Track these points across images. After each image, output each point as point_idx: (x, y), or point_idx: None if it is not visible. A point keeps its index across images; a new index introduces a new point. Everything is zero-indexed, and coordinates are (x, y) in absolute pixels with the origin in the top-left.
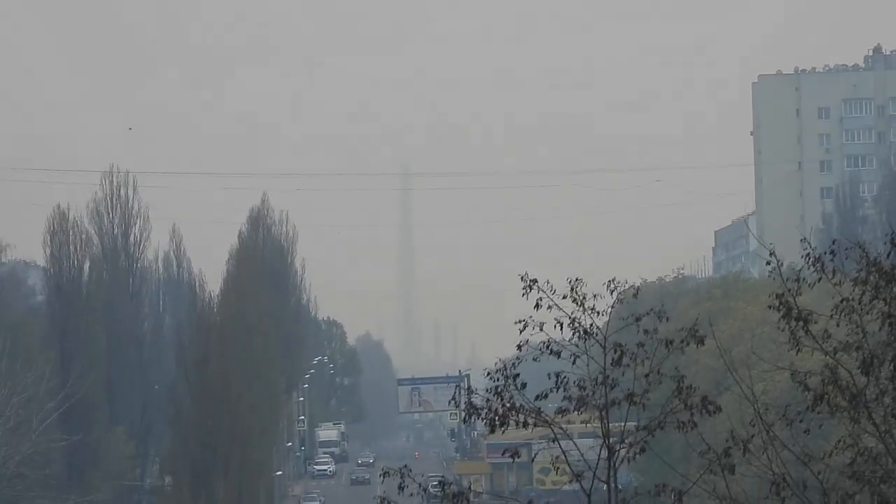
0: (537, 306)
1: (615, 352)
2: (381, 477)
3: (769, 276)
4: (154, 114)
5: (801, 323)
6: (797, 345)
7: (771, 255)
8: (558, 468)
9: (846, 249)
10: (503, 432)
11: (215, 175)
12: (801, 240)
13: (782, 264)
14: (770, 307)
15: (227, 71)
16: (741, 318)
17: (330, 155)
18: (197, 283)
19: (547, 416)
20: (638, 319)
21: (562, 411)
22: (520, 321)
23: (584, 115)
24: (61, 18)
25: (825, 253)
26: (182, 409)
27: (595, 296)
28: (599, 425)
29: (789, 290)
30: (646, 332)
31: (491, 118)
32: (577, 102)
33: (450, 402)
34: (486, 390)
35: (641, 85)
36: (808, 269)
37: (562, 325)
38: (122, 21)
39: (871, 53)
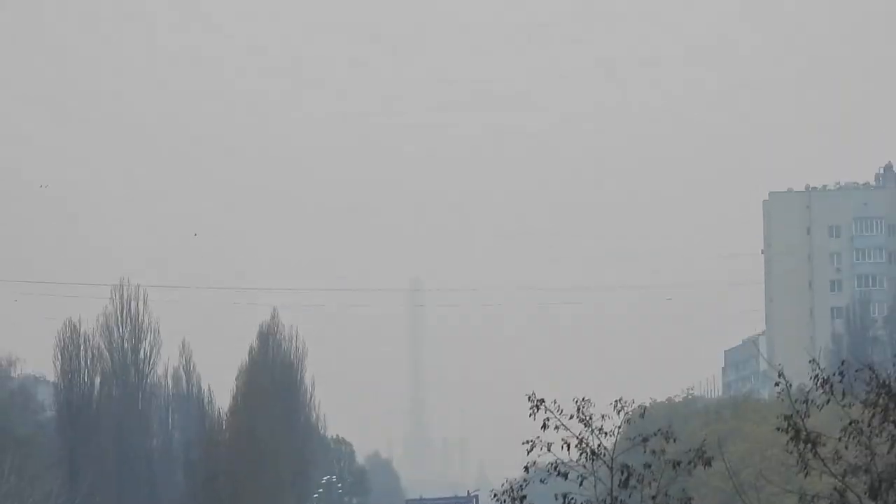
0: (544, 426)
1: (622, 473)
2: None
3: (778, 397)
4: (166, 228)
5: (809, 445)
6: (806, 468)
7: (780, 375)
8: None
9: (856, 371)
10: None
11: (226, 290)
12: (811, 361)
13: (791, 385)
14: (779, 429)
15: (236, 187)
16: (751, 440)
17: (340, 271)
18: (206, 400)
19: None
20: (645, 440)
21: None
22: (527, 442)
23: (592, 231)
24: (70, 127)
25: (834, 374)
26: None
27: (603, 416)
28: None
29: (798, 412)
30: (653, 452)
31: (499, 231)
32: (582, 216)
33: None
34: None
35: (651, 201)
36: (818, 390)
37: (569, 446)
38: (138, 134)
39: (882, 171)
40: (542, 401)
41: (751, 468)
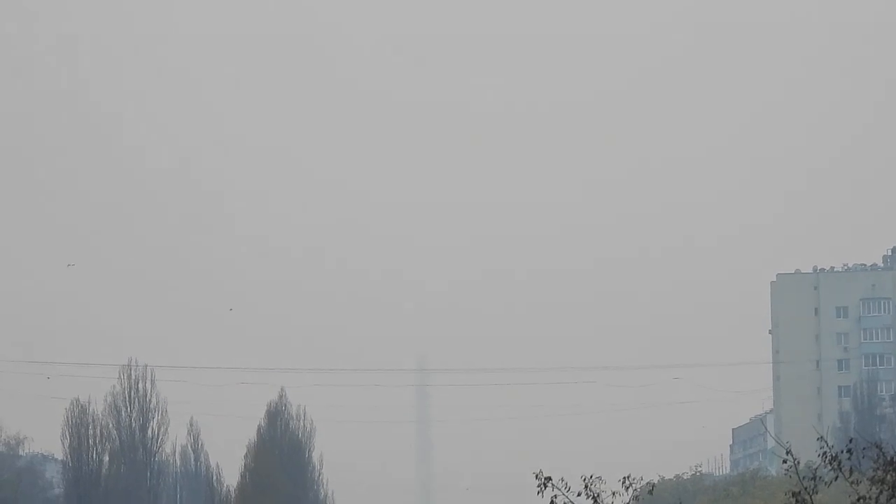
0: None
1: None
2: None
3: (786, 473)
4: (174, 308)
5: None
6: None
7: (788, 453)
8: None
9: (863, 448)
10: None
11: (233, 370)
12: (818, 438)
13: (799, 462)
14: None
15: (239, 266)
16: None
17: (348, 350)
18: (214, 478)
19: None
20: None
21: None
22: None
23: (598, 308)
24: (79, 211)
25: (842, 451)
26: None
27: (613, 493)
28: None
29: (805, 489)
30: None
31: (506, 311)
32: (591, 295)
33: None
34: None
35: (660, 282)
36: (826, 467)
37: None
38: (138, 230)
39: (889, 253)
40: (550, 479)
41: None
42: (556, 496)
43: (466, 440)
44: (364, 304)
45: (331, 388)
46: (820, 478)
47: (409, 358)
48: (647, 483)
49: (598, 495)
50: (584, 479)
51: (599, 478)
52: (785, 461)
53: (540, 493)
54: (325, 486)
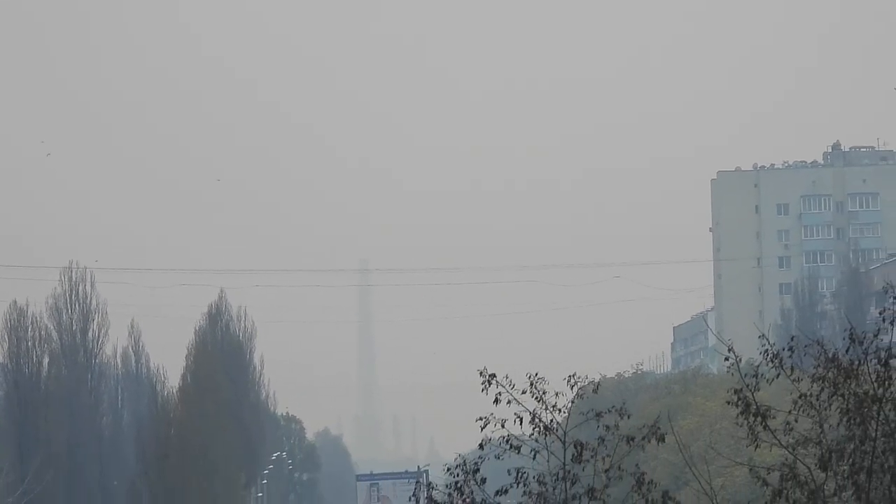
0: (496, 401)
1: (575, 447)
2: None
3: (728, 371)
4: (114, 208)
5: (759, 418)
6: (755, 440)
7: (729, 350)
8: None
9: (805, 346)
10: None
11: (173, 272)
12: (760, 336)
13: (741, 360)
14: (729, 403)
15: (185, 170)
16: (700, 414)
17: (289, 250)
18: (156, 379)
19: None
20: (599, 415)
21: None
22: (481, 419)
23: (541, 206)
24: (31, 115)
25: (784, 349)
26: None
27: (557, 394)
28: None
29: (748, 386)
30: (607, 428)
31: (447, 211)
32: (532, 193)
33: (410, 499)
34: (447, 486)
35: (601, 179)
36: (767, 365)
37: (522, 421)
38: (90, 115)
39: (829, 150)
40: (494, 375)
41: (701, 441)
42: (500, 393)
43: (409, 340)
44: (307, 205)
45: (272, 288)
46: (762, 375)
47: (352, 258)
48: (591, 382)
49: (542, 393)
50: (529, 377)
51: (543, 378)
52: (727, 358)
53: (484, 391)
54: (266, 387)
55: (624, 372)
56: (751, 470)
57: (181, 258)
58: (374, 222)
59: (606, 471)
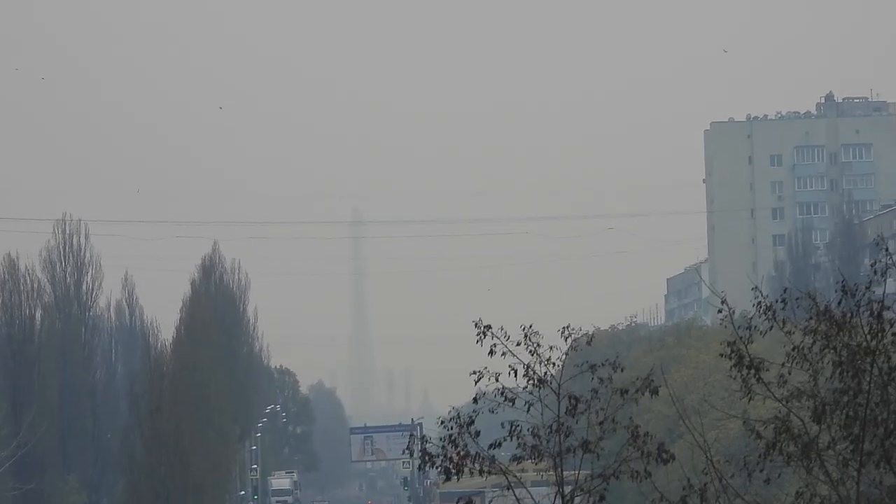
0: (491, 353)
1: (569, 400)
2: None
3: (721, 323)
4: (109, 161)
5: (752, 371)
6: (749, 393)
7: (722, 302)
8: None
9: (797, 298)
10: (458, 480)
11: (168, 223)
12: (753, 288)
13: (734, 312)
14: (722, 355)
15: (175, 120)
16: (693, 366)
17: (282, 202)
18: (149, 332)
19: (501, 464)
20: (593, 367)
21: (516, 459)
22: (475, 372)
23: (536, 159)
24: (17, 67)
25: (777, 301)
26: (135, 457)
27: (551, 347)
28: (554, 474)
29: (741, 338)
30: (601, 380)
31: (441, 162)
32: (527, 146)
33: (404, 451)
34: (441, 439)
35: (594, 130)
36: (760, 317)
37: (516, 373)
38: (79, 70)
39: (823, 101)
40: (489, 327)
41: (694, 394)
42: (494, 346)
43: (403, 292)
44: (299, 155)
45: (266, 240)
46: (755, 327)
47: (345, 209)
48: (584, 334)
49: (536, 346)
50: (523, 330)
51: (537, 332)
52: (720, 311)
53: (479, 343)
54: (260, 340)
55: (618, 324)
56: (744, 423)
57: (175, 210)
58: (367, 171)
59: (600, 423)
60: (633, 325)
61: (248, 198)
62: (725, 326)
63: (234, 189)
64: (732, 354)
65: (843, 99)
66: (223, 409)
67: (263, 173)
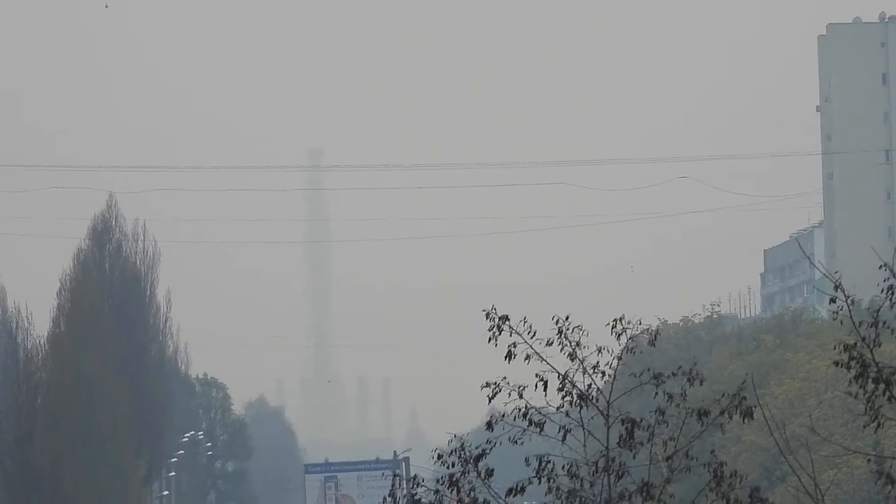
0: (509, 357)
1: (624, 425)
2: None
3: (835, 318)
4: None
5: (883, 386)
6: (877, 417)
7: (837, 288)
8: None
9: None
10: None
11: (42, 169)
12: (881, 266)
13: (853, 301)
14: (838, 364)
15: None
16: (803, 377)
17: (207, 143)
18: (16, 325)
19: None
20: (658, 379)
21: None
22: (487, 385)
23: (574, 84)
24: None
25: None
26: None
27: (599, 350)
28: None
29: (863, 340)
30: (669, 397)
31: (432, 85)
32: (565, 69)
33: (384, 500)
34: (437, 480)
35: (658, 43)
36: (892, 308)
37: (546, 385)
38: None
39: None
40: (506, 318)
41: (803, 417)
42: (514, 345)
43: (380, 269)
44: (235, 81)
45: (183, 194)
46: (884, 323)
47: (299, 150)
48: (645, 330)
49: (576, 346)
50: (557, 322)
51: (579, 327)
52: (832, 300)
53: (492, 341)
54: (174, 337)
55: (693, 316)
56: (872, 461)
57: (55, 151)
58: (328, 100)
59: (668, 459)
60: (714, 317)
61: (159, 137)
62: (842, 322)
63: (138, 124)
64: (852, 362)
65: None
66: (121, 436)
67: (183, 104)
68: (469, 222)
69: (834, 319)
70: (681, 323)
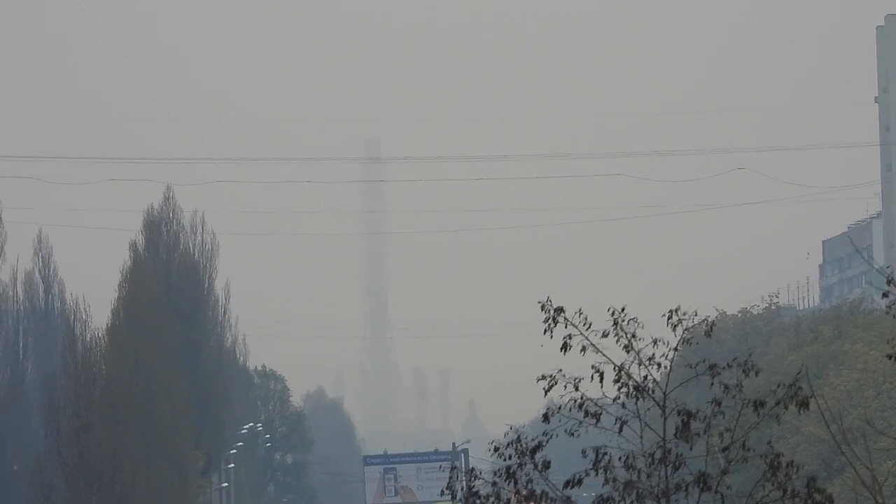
0: (565, 348)
1: (680, 416)
2: None
3: (888, 312)
4: (12, 77)
5: None
6: None
7: (889, 282)
8: None
9: None
10: None
11: (100, 162)
12: None
13: None
14: (891, 356)
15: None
16: (861, 368)
17: (265, 136)
18: (74, 317)
19: None
20: (714, 370)
21: (604, 502)
22: (544, 377)
23: (630, 72)
24: None
25: None
26: (53, 498)
27: (655, 341)
28: None
29: None
30: (726, 388)
31: (490, 75)
32: (622, 50)
33: (442, 492)
34: (494, 472)
35: (715, 32)
36: None
37: (602, 377)
38: None
39: None
40: (561, 310)
41: (861, 409)
42: (570, 337)
43: (437, 261)
44: (292, 72)
45: (241, 186)
46: None
47: (356, 143)
48: (702, 321)
49: (632, 337)
50: (613, 314)
51: (634, 319)
52: (885, 294)
53: (548, 333)
54: (233, 330)
55: (750, 307)
56: None
57: (111, 143)
58: (386, 92)
59: (724, 450)
60: (772, 307)
61: (216, 129)
62: (895, 316)
63: (196, 119)
64: None
65: None
66: (180, 428)
67: (240, 98)
68: (527, 213)
69: (887, 313)
70: (739, 314)
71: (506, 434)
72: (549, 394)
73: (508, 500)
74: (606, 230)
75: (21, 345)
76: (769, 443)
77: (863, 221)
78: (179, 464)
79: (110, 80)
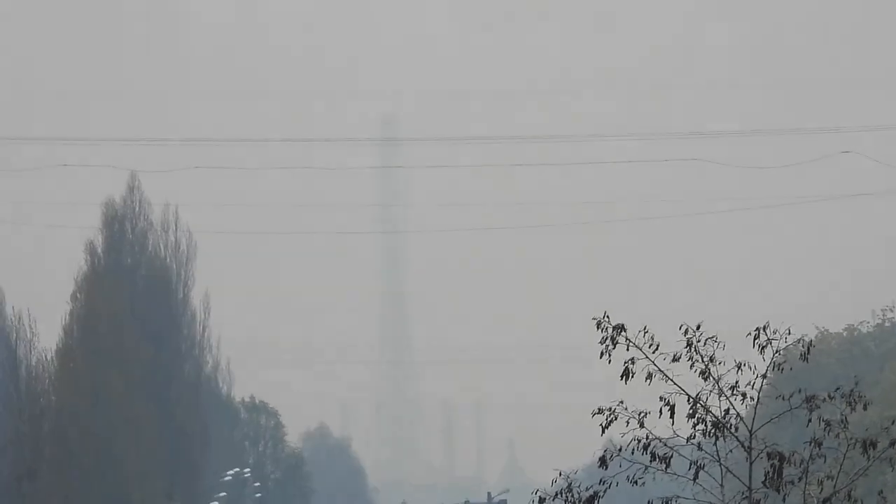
0: (626, 375)
1: (771, 459)
2: None
3: None
4: None
5: None
6: None
7: None
8: None
9: None
10: None
11: (52, 142)
12: None
13: None
14: None
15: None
16: None
17: (255, 112)
18: (16, 336)
19: None
20: (811, 401)
21: None
22: (601, 410)
23: (679, 36)
24: None
25: None
26: None
27: (739, 366)
28: None
29: None
30: (827, 424)
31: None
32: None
33: None
34: None
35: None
36: None
37: (673, 410)
38: None
39: None
40: (622, 328)
41: None
42: (633, 360)
43: (466, 267)
44: (288, 34)
45: (224, 173)
46: None
47: (370, 121)
48: (798, 341)
49: (710, 361)
50: (685, 332)
51: (712, 337)
52: None
53: (605, 356)
54: (214, 352)
55: (858, 324)
56: None
57: (70, 121)
58: (401, 63)
59: (826, 501)
60: (886, 324)
61: (195, 105)
62: None
63: (167, 90)
64: None
65: None
66: (148, 474)
67: (225, 71)
68: (589, 207)
69: None
70: (844, 332)
71: (554, 482)
72: (607, 432)
73: None
74: (679, 226)
75: None
76: (881, 493)
77: None
78: None
79: (63, 47)
